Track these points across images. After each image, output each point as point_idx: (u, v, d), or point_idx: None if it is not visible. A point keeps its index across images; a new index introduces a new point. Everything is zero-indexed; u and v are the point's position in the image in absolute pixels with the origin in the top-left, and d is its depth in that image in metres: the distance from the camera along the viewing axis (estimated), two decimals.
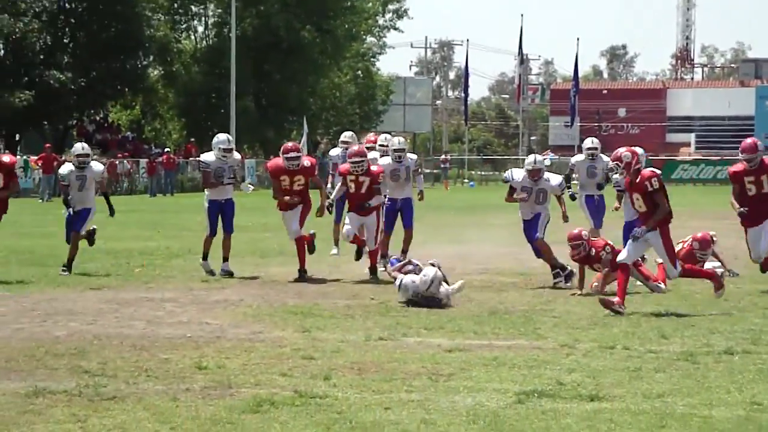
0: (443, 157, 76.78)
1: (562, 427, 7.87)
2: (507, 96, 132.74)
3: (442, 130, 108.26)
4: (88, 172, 17.60)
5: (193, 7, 69.43)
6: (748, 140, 15.81)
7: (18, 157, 51.45)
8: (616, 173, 14.73)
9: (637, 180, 13.72)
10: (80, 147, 18.01)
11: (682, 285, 15.56)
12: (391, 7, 77.60)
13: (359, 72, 76.44)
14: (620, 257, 13.83)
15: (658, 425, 7.94)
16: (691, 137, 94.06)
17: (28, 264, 18.65)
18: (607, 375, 9.63)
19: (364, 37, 76.02)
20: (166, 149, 59.47)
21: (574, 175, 19.47)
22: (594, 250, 15.46)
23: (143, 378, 9.52)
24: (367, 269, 17.00)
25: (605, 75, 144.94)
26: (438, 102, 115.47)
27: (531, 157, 16.84)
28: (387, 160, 18.06)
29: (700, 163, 72.81)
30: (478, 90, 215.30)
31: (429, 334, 11.87)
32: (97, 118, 68.16)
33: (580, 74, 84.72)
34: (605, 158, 18.61)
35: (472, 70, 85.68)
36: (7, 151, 52.07)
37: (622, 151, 13.86)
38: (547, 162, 69.06)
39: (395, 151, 18.11)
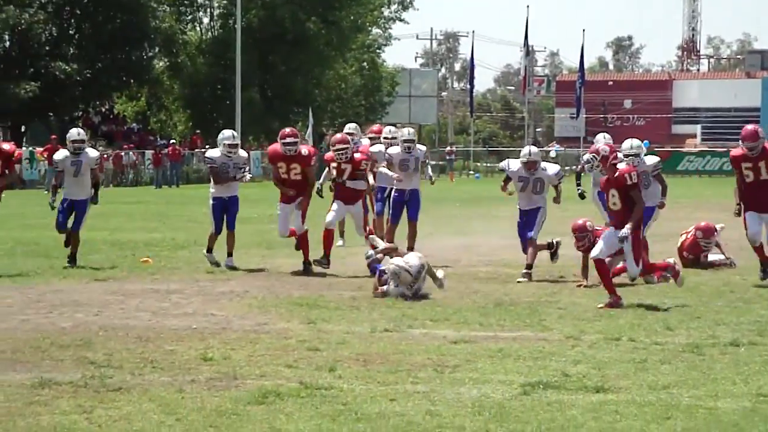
0: (448, 148, 76.72)
1: (567, 419, 7.87)
2: (512, 87, 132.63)
3: (447, 121, 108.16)
4: (83, 158, 17.43)
5: None
6: (749, 127, 15.47)
7: (24, 148, 51.54)
8: (590, 164, 14.58)
9: (615, 175, 13.57)
10: (75, 132, 17.80)
11: (690, 276, 15.55)
12: None
13: (365, 63, 76.34)
14: (593, 253, 13.62)
15: (664, 417, 7.94)
16: (697, 129, 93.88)
17: (34, 255, 18.65)
18: (613, 366, 9.62)
19: (369, 28, 75.89)
20: (171, 141, 59.45)
21: (586, 172, 19.16)
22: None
23: (149, 369, 9.53)
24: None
25: (611, 66, 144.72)
26: (443, 93, 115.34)
27: (525, 149, 16.70)
28: (396, 150, 18.06)
29: (706, 154, 72.65)
30: (483, 81, 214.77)
31: (434, 325, 11.87)
32: (103, 110, 68.21)
33: (586, 66, 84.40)
34: (619, 155, 18.51)
35: (477, 62, 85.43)
36: (11, 141, 52.06)
37: (601, 145, 13.79)
38: (553, 153, 68.98)
39: (405, 141, 18.11)
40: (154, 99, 68.96)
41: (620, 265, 15.62)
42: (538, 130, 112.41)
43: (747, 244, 15.70)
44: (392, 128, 19.80)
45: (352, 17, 70.12)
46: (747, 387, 8.87)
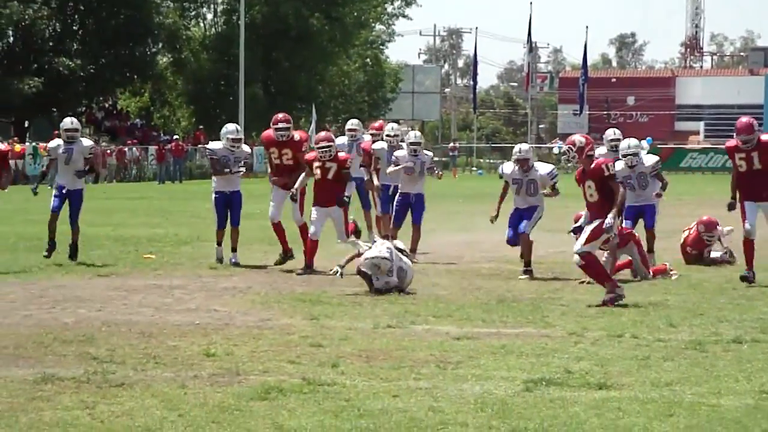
0: (452, 145, 76.74)
1: (570, 416, 7.87)
2: (516, 84, 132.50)
3: (450, 118, 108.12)
4: (75, 146, 17.48)
5: None
6: (744, 119, 15.29)
7: (27, 144, 51.55)
8: (566, 156, 14.49)
9: (592, 166, 13.46)
10: (69, 122, 17.85)
11: (693, 273, 15.54)
12: None
13: (368, 60, 76.30)
14: (576, 247, 13.40)
15: (666, 414, 7.94)
16: (700, 126, 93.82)
17: (37, 251, 18.61)
18: (616, 363, 9.62)
19: (372, 24, 75.85)
20: (174, 136, 59.48)
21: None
22: None
23: (151, 365, 9.53)
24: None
25: (614, 63, 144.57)
26: (447, 90, 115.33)
27: (517, 147, 16.69)
28: (403, 153, 18.07)
29: (709, 151, 72.54)
30: (486, 78, 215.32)
31: (437, 321, 11.87)
32: (106, 105, 68.20)
33: (589, 62, 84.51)
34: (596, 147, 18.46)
35: (480, 58, 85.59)
36: (7, 140, 52.10)
37: (576, 137, 13.73)
38: (556, 150, 69.00)
39: (412, 144, 18.10)
40: (158, 95, 69.00)
41: (622, 260, 15.66)
42: (541, 126, 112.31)
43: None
44: (394, 125, 19.76)
45: (355, 13, 70.14)
46: (750, 384, 8.86)
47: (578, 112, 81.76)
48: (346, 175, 16.34)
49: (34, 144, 50.32)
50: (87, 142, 17.91)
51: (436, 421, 7.72)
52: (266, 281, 15.28)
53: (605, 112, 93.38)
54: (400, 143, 18.70)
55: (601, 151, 19.28)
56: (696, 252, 17.66)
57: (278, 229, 17.10)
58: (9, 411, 7.95)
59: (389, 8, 77.42)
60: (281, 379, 8.88)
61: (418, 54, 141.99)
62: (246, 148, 17.94)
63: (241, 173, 17.50)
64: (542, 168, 16.36)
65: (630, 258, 15.76)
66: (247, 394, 8.39)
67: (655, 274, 15.82)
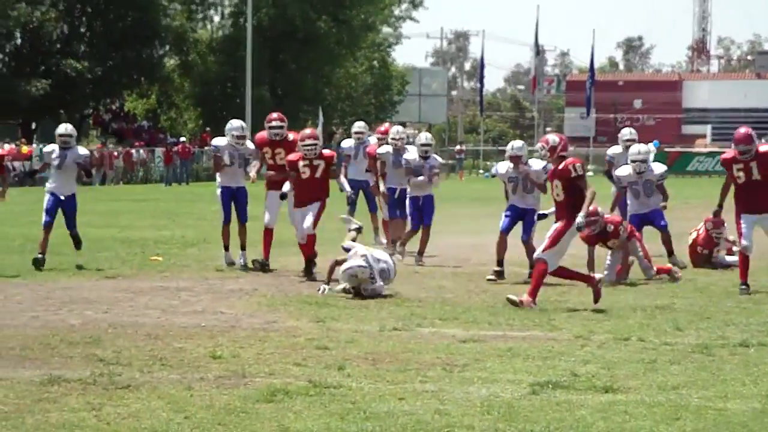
0: (458, 147, 76.70)
1: (576, 419, 7.86)
2: (522, 87, 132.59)
3: (457, 120, 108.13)
4: (69, 152, 17.48)
5: None
6: (742, 130, 15.11)
7: (34, 145, 51.64)
8: (539, 153, 14.41)
9: (560, 166, 13.42)
10: (63, 128, 17.81)
11: (700, 277, 15.51)
12: None
13: (375, 62, 76.36)
14: (537, 252, 13.34)
15: (673, 417, 7.92)
16: (707, 129, 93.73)
17: None
18: (622, 367, 9.61)
19: (379, 27, 75.89)
20: (181, 138, 59.51)
21: (613, 171, 18.57)
22: (612, 226, 15.53)
23: (158, 367, 9.53)
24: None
25: (621, 66, 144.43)
26: (453, 93, 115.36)
27: (510, 144, 16.73)
28: (413, 155, 18.10)
29: (716, 155, 72.29)
30: (493, 81, 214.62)
31: (443, 324, 11.86)
32: (113, 107, 68.36)
33: (596, 65, 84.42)
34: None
35: (487, 61, 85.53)
36: (15, 142, 52.20)
37: (550, 136, 13.71)
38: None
39: (423, 145, 18.16)
40: (165, 97, 69.09)
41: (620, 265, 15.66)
42: (548, 129, 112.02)
43: (758, 239, 15.56)
44: (400, 128, 19.75)
45: (362, 16, 70.17)
46: (756, 388, 8.85)
47: (585, 115, 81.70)
48: (334, 173, 16.34)
49: (41, 146, 50.38)
50: (83, 150, 17.91)
51: (443, 424, 7.71)
52: (272, 283, 15.28)
53: (612, 115, 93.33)
54: (405, 146, 18.73)
55: (615, 150, 19.29)
56: (707, 251, 17.68)
57: (268, 236, 17.01)
58: (15, 412, 7.95)
59: (396, 11, 77.52)
60: (287, 382, 8.88)
61: (425, 57, 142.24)
62: (250, 145, 17.91)
63: (254, 174, 17.27)
64: (535, 164, 16.35)
65: (621, 265, 15.76)
66: (253, 397, 8.39)
67: (660, 272, 15.82)
